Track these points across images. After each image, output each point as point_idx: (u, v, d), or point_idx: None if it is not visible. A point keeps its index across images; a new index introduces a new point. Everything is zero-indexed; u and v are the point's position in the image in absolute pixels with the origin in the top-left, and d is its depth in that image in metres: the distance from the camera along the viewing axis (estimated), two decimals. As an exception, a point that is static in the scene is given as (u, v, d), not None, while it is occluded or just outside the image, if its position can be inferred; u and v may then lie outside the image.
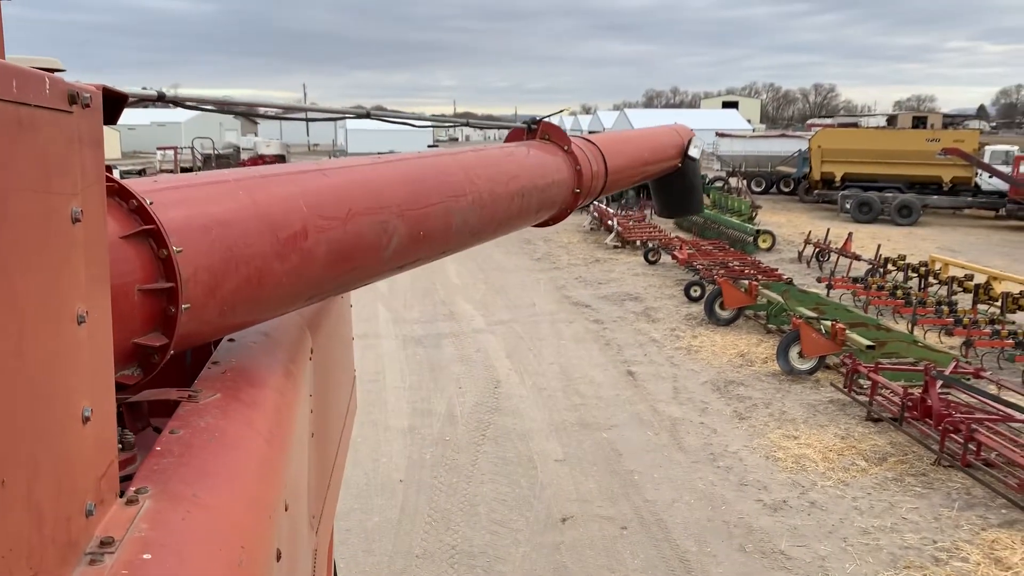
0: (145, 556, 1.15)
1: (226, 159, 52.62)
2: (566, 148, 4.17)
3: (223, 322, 1.85)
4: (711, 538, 7.75)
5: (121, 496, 1.29)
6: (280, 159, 49.97)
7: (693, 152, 5.76)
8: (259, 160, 49.51)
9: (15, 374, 0.96)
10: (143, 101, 2.24)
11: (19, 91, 0.97)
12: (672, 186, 6.01)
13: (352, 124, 72.96)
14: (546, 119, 4.31)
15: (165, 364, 1.66)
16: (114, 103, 1.49)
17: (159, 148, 51.78)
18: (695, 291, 16.97)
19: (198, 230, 1.72)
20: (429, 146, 73.11)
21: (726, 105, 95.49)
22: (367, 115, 3.49)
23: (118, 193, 1.61)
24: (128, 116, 12.55)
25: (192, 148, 50.59)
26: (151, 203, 1.64)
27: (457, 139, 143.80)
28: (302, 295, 2.18)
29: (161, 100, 2.34)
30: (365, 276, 2.52)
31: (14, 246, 0.96)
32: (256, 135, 63.03)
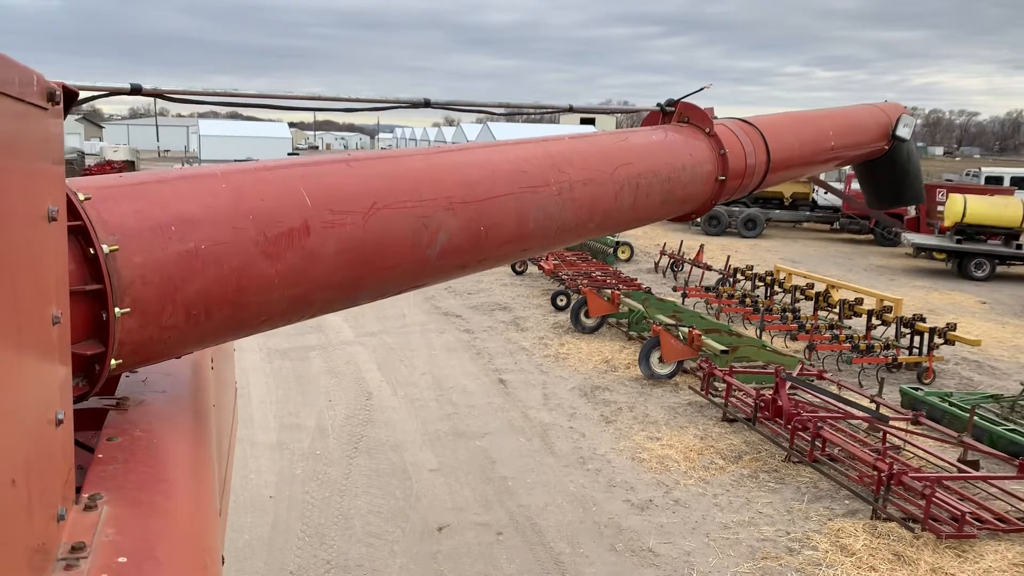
0: (121, 560, 1.13)
1: (69, 164, 49.18)
2: (708, 131, 3.72)
3: (197, 329, 1.72)
4: (583, 539, 7.97)
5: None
6: (130, 165, 47.20)
7: (902, 132, 5.00)
8: (107, 166, 46.65)
9: (8, 371, 0.93)
10: (115, 95, 2.04)
11: (20, 87, 0.94)
12: (882, 173, 5.26)
13: (205, 130, 70.04)
14: (686, 99, 3.83)
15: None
16: (67, 100, 1.42)
17: None
18: (561, 300, 17.42)
19: (149, 227, 1.61)
20: (289, 154, 71.19)
21: (584, 121, 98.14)
22: (426, 104, 3.03)
23: None
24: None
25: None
26: (86, 199, 1.53)
27: (317, 147, 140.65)
28: (312, 300, 1.99)
29: (137, 93, 2.12)
30: (406, 279, 2.28)
31: (11, 244, 0.93)
32: (101, 140, 59.29)
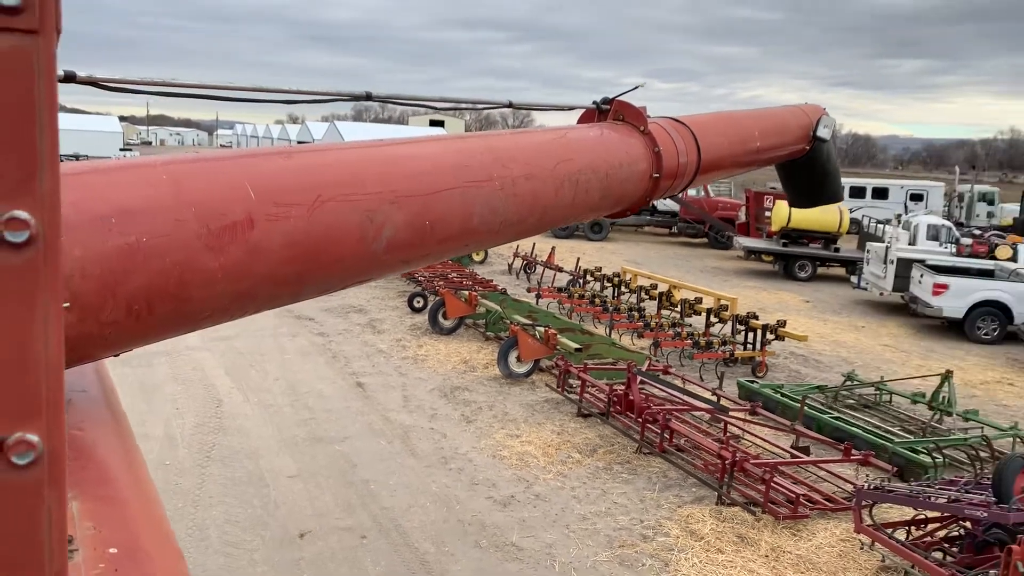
0: (112, 550, 1.09)
1: None
2: (642, 129, 3.69)
3: (139, 325, 1.66)
4: (448, 538, 8.05)
5: None
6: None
7: (823, 132, 5.03)
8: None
9: None
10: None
11: None
12: (802, 173, 5.27)
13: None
14: (620, 97, 3.80)
15: None
16: None
17: None
18: (418, 302, 17.41)
19: (88, 219, 1.55)
20: (121, 150, 66.82)
21: (433, 123, 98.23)
22: (368, 97, 2.92)
23: None
24: None
25: None
26: None
27: (150, 143, 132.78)
28: (256, 295, 1.94)
29: (71, 81, 1.97)
30: (352, 273, 2.23)
31: None
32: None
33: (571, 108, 3.84)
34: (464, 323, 15.98)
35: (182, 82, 2.39)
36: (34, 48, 0.76)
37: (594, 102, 3.80)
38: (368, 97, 2.87)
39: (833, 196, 5.55)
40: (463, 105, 3.58)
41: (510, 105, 3.51)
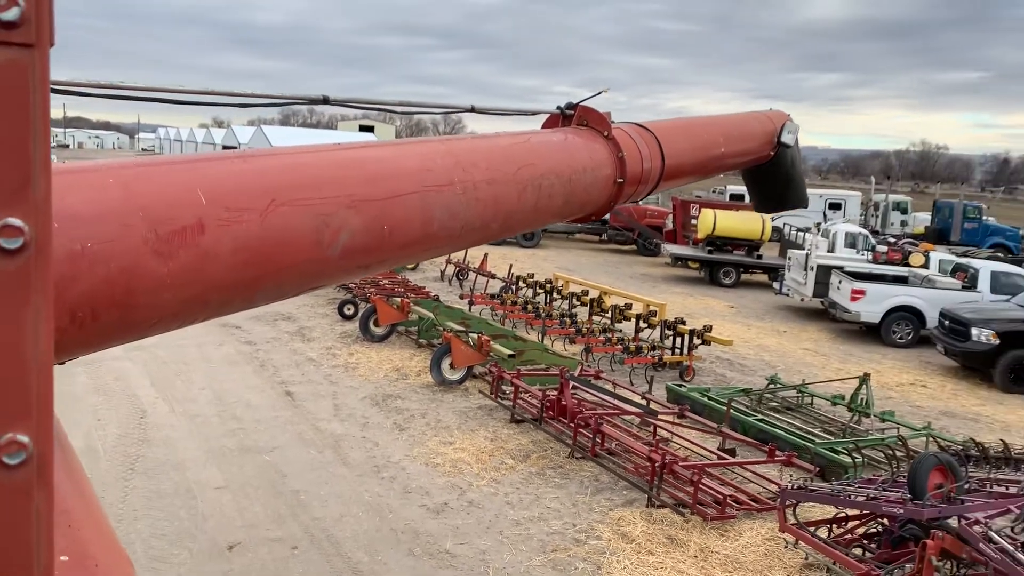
0: (63, 559, 1.07)
1: None
2: (606, 134, 3.69)
3: (83, 333, 1.61)
4: (381, 547, 7.99)
5: None
6: None
7: (787, 138, 5.06)
8: None
9: None
10: None
11: None
12: (767, 178, 5.29)
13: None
14: (584, 102, 3.82)
15: None
16: None
17: None
18: (349, 309, 17.22)
19: None
20: None
21: (363, 129, 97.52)
22: (325, 101, 2.86)
23: None
24: None
25: None
26: None
27: (67, 145, 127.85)
28: (207, 301, 1.89)
29: None
30: (307, 278, 2.17)
31: None
32: None
33: (535, 113, 3.83)
34: (396, 330, 15.89)
35: (131, 84, 2.33)
36: (30, 61, 0.77)
37: (558, 107, 3.80)
38: (325, 100, 2.83)
39: (799, 201, 5.55)
40: (424, 109, 3.53)
41: (472, 109, 3.48)
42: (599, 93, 3.83)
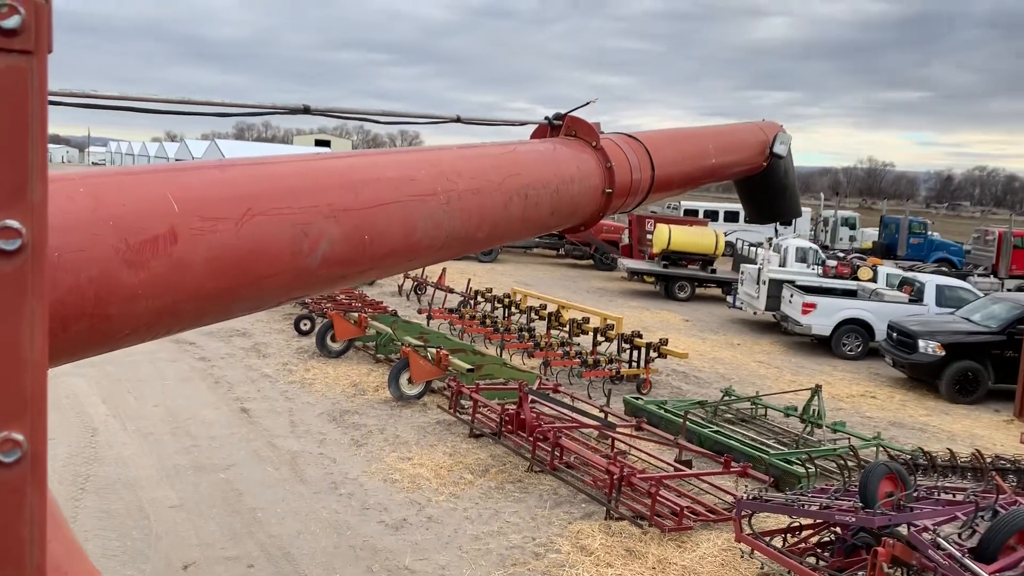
0: None
1: None
2: (595, 144, 3.66)
3: (54, 344, 1.58)
4: (339, 564, 7.92)
5: None
6: None
7: (779, 149, 5.02)
8: None
9: None
10: None
11: None
12: (760, 189, 5.24)
13: None
14: (571, 113, 3.76)
15: None
16: None
17: None
18: (305, 325, 17.06)
19: None
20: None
21: (319, 143, 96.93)
22: (306, 110, 2.82)
23: None
24: None
25: None
26: None
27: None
28: (181, 312, 1.85)
29: None
30: (285, 288, 2.13)
31: None
32: None
33: (523, 123, 3.80)
34: (353, 345, 15.79)
35: (104, 93, 2.30)
36: (29, 67, 0.79)
37: (546, 117, 3.78)
38: (306, 110, 2.81)
39: (792, 212, 5.50)
40: (408, 119, 3.49)
41: (458, 119, 3.44)
42: (587, 104, 3.80)
